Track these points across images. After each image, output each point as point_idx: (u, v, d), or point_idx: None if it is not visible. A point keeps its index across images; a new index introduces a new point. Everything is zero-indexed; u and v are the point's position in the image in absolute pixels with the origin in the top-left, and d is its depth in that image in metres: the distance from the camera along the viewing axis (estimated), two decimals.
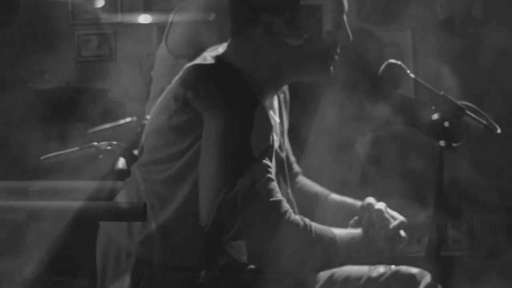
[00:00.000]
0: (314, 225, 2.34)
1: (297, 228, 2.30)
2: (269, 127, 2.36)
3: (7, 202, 2.18)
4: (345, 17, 2.45)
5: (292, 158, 2.72)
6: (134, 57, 4.88)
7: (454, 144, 2.50)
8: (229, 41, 2.46)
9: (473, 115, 2.49)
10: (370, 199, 2.55)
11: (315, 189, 2.72)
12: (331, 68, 2.45)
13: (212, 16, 3.30)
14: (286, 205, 2.32)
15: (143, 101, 3.19)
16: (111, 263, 2.51)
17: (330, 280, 2.62)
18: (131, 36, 4.96)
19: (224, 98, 2.32)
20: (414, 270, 2.60)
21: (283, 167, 2.54)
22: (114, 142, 2.42)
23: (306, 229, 2.32)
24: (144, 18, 4.99)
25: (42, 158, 2.44)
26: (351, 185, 3.16)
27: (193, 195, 2.35)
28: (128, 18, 4.80)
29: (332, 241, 2.35)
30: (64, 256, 3.90)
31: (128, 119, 2.69)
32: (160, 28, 4.86)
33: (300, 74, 2.47)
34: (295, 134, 2.79)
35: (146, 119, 2.68)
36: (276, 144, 2.50)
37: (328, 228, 2.37)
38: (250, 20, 2.39)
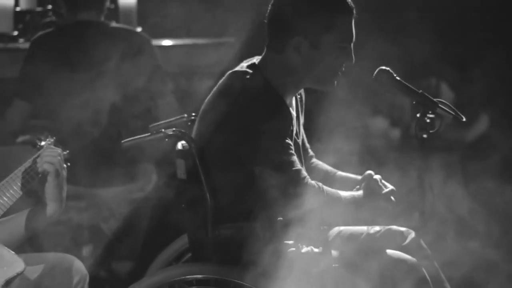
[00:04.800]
0: (326, 187, 3.07)
1: (313, 189, 3.03)
2: (290, 117, 3.12)
3: None
4: (352, 45, 3.15)
5: (307, 145, 3.43)
6: None
7: (431, 131, 3.20)
8: (263, 53, 3.17)
9: (444, 107, 3.12)
10: (369, 171, 3.23)
11: (325, 168, 3.43)
12: (336, 81, 3.18)
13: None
14: (304, 173, 3.06)
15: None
16: None
17: (338, 235, 3.32)
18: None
19: (254, 96, 3.06)
20: (402, 228, 3.31)
21: (299, 150, 3.22)
22: (175, 129, 3.14)
23: (319, 190, 3.05)
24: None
25: (123, 141, 3.16)
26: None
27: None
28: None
29: (339, 199, 3.07)
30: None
31: (180, 116, 3.45)
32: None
33: (313, 83, 3.19)
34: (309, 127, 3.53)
35: (193, 116, 3.44)
36: (294, 132, 3.21)
37: (336, 190, 3.09)
38: (283, 40, 3.09)
